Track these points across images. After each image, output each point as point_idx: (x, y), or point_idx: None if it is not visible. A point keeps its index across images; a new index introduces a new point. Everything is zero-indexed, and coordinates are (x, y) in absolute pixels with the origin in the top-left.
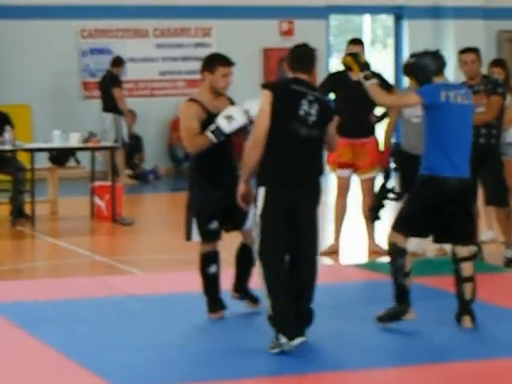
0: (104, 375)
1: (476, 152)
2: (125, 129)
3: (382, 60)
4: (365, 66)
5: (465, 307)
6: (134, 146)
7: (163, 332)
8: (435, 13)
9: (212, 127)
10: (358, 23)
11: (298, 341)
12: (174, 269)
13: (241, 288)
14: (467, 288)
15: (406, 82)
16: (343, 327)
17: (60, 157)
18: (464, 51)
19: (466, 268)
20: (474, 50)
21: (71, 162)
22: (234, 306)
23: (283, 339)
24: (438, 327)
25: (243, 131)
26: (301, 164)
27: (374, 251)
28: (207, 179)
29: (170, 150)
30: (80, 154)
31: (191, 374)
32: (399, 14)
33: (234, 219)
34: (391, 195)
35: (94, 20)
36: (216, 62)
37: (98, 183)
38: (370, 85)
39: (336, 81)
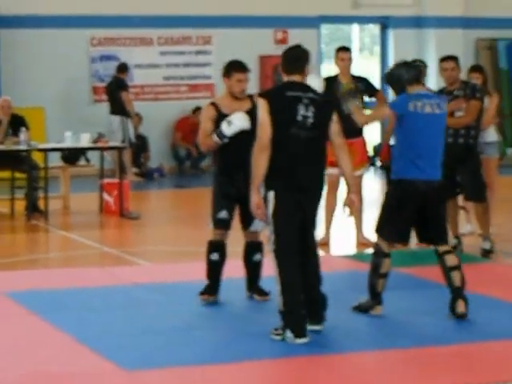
0: (112, 358)
1: (455, 151)
2: (131, 130)
3: (369, 66)
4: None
5: (456, 293)
6: (140, 145)
7: (168, 318)
8: (418, 23)
9: (217, 130)
10: (347, 32)
11: (302, 340)
12: (177, 259)
13: (252, 288)
14: (455, 276)
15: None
16: (333, 313)
17: (71, 156)
18: (444, 59)
19: (450, 259)
20: (453, 58)
21: (82, 161)
22: (240, 293)
23: (289, 334)
24: (420, 314)
25: (250, 134)
26: (305, 166)
27: (362, 243)
28: (220, 174)
29: (174, 149)
30: (90, 154)
31: (194, 357)
32: (385, 23)
33: (242, 217)
34: None
35: (103, 29)
36: (232, 68)
37: (106, 180)
38: (351, 106)
39: (327, 85)
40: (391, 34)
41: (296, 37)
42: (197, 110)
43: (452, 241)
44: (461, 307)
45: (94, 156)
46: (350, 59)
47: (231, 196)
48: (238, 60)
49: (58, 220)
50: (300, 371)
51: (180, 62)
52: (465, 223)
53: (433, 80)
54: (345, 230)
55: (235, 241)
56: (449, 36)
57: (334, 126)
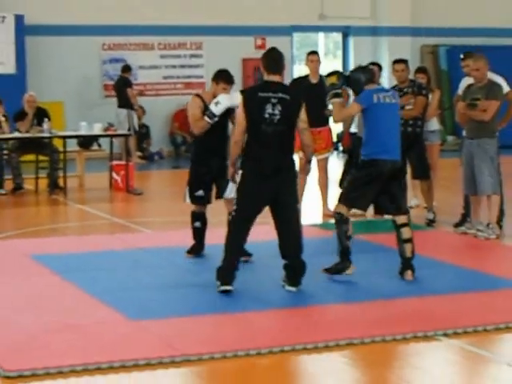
0: (120, 309)
1: (405, 138)
2: (135, 120)
3: (333, 67)
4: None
5: (406, 263)
6: (143, 133)
7: (167, 276)
8: (374, 31)
9: (207, 111)
10: (314, 39)
11: (226, 287)
12: (174, 228)
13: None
14: (407, 248)
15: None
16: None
17: (86, 142)
18: (396, 62)
19: (405, 232)
20: (403, 61)
21: (94, 146)
22: None
23: (218, 283)
24: (377, 273)
25: (231, 114)
26: (272, 154)
27: (327, 214)
28: (196, 159)
29: (171, 136)
30: (101, 140)
31: (191, 309)
32: (346, 32)
33: (217, 189)
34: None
35: (113, 36)
36: (221, 77)
37: (115, 162)
38: (333, 103)
39: (298, 84)
40: (351, 40)
41: (272, 43)
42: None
43: (408, 215)
44: (408, 276)
45: (104, 142)
46: (318, 61)
47: (206, 178)
48: (228, 72)
49: (74, 195)
50: (282, 320)
51: (176, 63)
52: (412, 197)
53: (386, 79)
54: (313, 203)
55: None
56: (399, 43)
57: (301, 124)
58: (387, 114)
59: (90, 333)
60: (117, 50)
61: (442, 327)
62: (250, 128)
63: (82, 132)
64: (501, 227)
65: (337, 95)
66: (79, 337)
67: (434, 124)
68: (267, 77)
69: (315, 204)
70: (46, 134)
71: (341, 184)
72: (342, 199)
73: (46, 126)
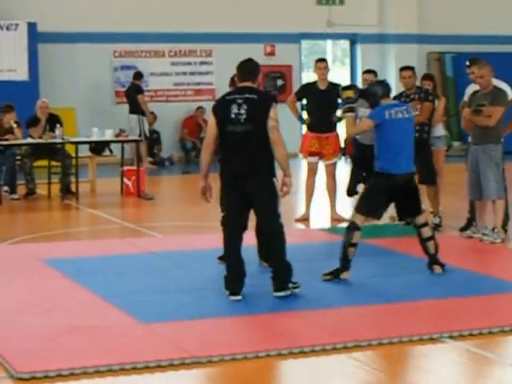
0: (131, 312)
1: None
2: (146, 126)
3: (340, 75)
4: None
5: (432, 259)
6: (154, 139)
7: (178, 279)
8: (381, 39)
9: None
10: (322, 47)
11: (235, 297)
12: (184, 232)
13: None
14: (430, 245)
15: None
16: (311, 276)
17: (97, 148)
18: (403, 69)
19: (425, 231)
20: (410, 68)
21: (106, 152)
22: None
23: (227, 293)
24: (383, 277)
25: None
26: (241, 154)
27: (335, 219)
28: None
29: (182, 142)
30: (113, 146)
31: (202, 312)
32: (354, 39)
33: None
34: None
35: (124, 44)
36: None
37: (126, 168)
38: (346, 117)
39: (307, 90)
40: (359, 48)
41: (282, 50)
42: (198, 108)
43: (425, 215)
44: (437, 270)
45: (116, 148)
46: (326, 68)
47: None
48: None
49: (86, 200)
50: (291, 322)
51: (187, 70)
52: None
53: (393, 86)
54: (321, 208)
55: None
56: (406, 50)
57: (270, 122)
58: (399, 129)
59: (101, 335)
60: (128, 57)
61: (447, 329)
62: (220, 130)
63: (94, 138)
64: (506, 231)
65: (351, 110)
66: (91, 339)
67: (439, 130)
68: (241, 83)
69: (323, 209)
70: (58, 140)
71: (348, 193)
72: (358, 209)
73: (58, 131)
